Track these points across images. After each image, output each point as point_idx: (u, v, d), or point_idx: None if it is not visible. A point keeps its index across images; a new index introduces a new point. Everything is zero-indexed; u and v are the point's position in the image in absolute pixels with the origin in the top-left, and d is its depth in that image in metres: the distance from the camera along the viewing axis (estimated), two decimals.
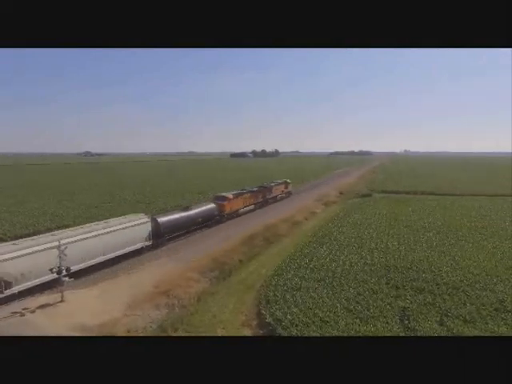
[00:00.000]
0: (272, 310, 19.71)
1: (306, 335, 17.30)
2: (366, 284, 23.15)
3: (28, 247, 22.28)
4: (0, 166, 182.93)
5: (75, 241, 24.69)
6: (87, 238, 26.01)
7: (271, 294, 21.98)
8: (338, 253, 29.91)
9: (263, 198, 57.43)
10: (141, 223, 31.45)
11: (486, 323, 18.05)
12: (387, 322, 18.12)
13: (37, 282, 22.29)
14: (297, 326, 18.00)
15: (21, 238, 35.08)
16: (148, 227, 32.19)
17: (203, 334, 17.90)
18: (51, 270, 21.00)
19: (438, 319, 18.43)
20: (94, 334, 17.15)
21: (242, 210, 49.95)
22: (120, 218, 32.54)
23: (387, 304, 20.16)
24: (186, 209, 38.58)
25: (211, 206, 42.49)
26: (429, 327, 17.58)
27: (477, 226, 40.31)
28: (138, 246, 30.91)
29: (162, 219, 33.91)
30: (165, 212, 39.35)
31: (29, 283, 21.91)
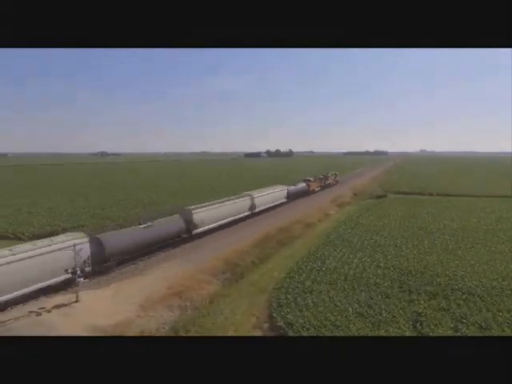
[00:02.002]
0: (283, 313, 19.72)
1: (305, 335, 17.35)
2: (379, 288, 22.93)
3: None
4: (15, 167, 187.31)
5: (263, 195, 50.47)
6: (268, 193, 52.62)
7: (283, 296, 21.99)
8: (350, 255, 29.72)
9: (324, 183, 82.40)
10: (282, 190, 58.30)
11: (503, 330, 17.67)
12: (400, 328, 17.91)
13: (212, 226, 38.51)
14: (308, 329, 17.96)
15: (38, 237, 36.06)
16: (285, 192, 58.63)
17: (204, 335, 18.02)
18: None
19: (452, 325, 18.12)
20: (106, 335, 17.46)
21: (316, 190, 74.88)
22: (273, 186, 59.18)
23: (400, 309, 19.93)
24: (296, 184, 65.39)
25: (304, 184, 68.52)
26: (443, 333, 17.32)
27: (493, 228, 39.51)
28: (282, 201, 57.58)
29: (290, 188, 61.29)
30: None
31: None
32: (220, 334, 18.25)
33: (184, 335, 17.92)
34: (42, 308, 20.37)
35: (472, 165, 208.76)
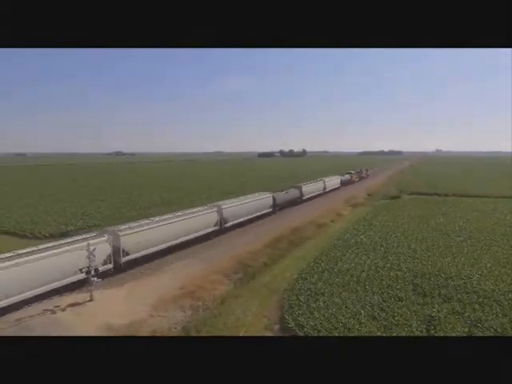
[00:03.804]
0: (295, 315, 19.63)
1: (306, 335, 17.36)
2: (392, 290, 22.64)
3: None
4: (32, 167, 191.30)
5: (330, 181, 78.14)
6: (332, 180, 79.50)
7: (294, 298, 21.90)
8: (363, 257, 29.43)
9: (360, 176, 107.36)
10: (336, 179, 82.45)
11: None
12: (412, 331, 17.63)
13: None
14: (319, 331, 17.85)
15: (54, 237, 36.84)
16: (339, 180, 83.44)
17: (204, 335, 18.08)
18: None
19: (466, 330, 17.74)
20: (117, 334, 17.69)
21: (356, 180, 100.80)
22: (333, 175, 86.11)
23: (413, 312, 19.62)
24: (344, 175, 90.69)
25: (349, 176, 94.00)
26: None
27: (511, 230, 38.55)
28: (337, 186, 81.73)
29: (343, 178, 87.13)
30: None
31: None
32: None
33: (186, 335, 18.02)
34: (57, 306, 20.79)
35: (490, 165, 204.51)
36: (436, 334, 17.29)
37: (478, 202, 60.73)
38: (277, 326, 19.33)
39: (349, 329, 17.98)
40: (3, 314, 19.76)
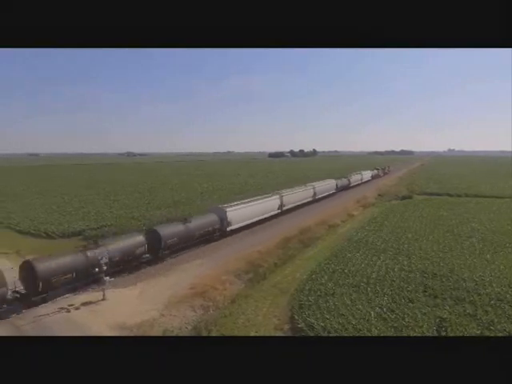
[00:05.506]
0: (305, 316, 19.73)
1: (306, 335, 17.48)
2: (402, 291, 22.54)
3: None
4: (46, 166, 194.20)
5: (367, 173, 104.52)
6: (368, 173, 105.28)
7: (305, 298, 21.99)
8: (374, 258, 29.33)
9: (384, 172, 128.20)
10: (368, 173, 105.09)
11: None
12: (423, 333, 17.56)
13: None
14: (329, 332, 17.91)
15: (68, 236, 37.52)
16: (370, 175, 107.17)
17: (205, 335, 18.24)
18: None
19: (478, 332, 17.61)
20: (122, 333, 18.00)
21: (381, 175, 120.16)
22: (364, 171, 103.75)
23: (424, 314, 19.51)
24: (374, 170, 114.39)
25: (376, 171, 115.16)
26: None
27: None
28: (368, 179, 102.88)
29: (372, 173, 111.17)
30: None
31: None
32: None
33: (178, 335, 18.22)
34: (71, 305, 21.21)
35: (503, 164, 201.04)
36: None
37: (490, 202, 59.91)
38: (287, 327, 19.44)
39: (359, 330, 18.00)
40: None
